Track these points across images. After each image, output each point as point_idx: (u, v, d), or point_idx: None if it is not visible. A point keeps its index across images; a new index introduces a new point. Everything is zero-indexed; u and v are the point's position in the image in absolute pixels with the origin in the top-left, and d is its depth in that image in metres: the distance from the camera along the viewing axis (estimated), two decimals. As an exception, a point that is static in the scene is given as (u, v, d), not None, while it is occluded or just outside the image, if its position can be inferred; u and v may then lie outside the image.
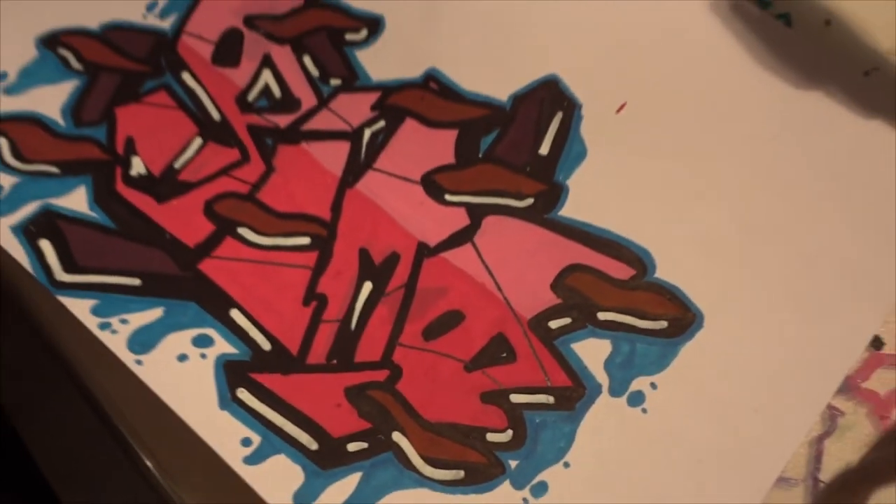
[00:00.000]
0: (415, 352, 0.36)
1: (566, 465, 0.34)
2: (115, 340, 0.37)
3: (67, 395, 0.37)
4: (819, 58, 0.42)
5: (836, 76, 0.41)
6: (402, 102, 0.42)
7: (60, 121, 0.42)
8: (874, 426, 0.34)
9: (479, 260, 0.38)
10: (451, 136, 0.41)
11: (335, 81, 0.43)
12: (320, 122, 0.42)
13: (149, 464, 0.35)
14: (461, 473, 0.34)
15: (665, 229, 0.38)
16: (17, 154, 0.41)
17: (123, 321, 0.37)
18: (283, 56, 0.44)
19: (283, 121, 0.42)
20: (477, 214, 0.39)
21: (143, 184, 0.40)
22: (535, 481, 0.34)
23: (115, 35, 0.44)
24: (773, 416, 0.35)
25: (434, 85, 0.42)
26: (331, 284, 0.38)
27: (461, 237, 0.39)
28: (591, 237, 0.38)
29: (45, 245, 0.39)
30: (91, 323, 0.37)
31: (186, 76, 0.43)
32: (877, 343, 0.36)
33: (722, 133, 0.40)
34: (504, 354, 0.36)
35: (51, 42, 0.44)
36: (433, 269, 0.38)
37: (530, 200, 0.39)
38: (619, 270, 0.38)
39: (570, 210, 0.39)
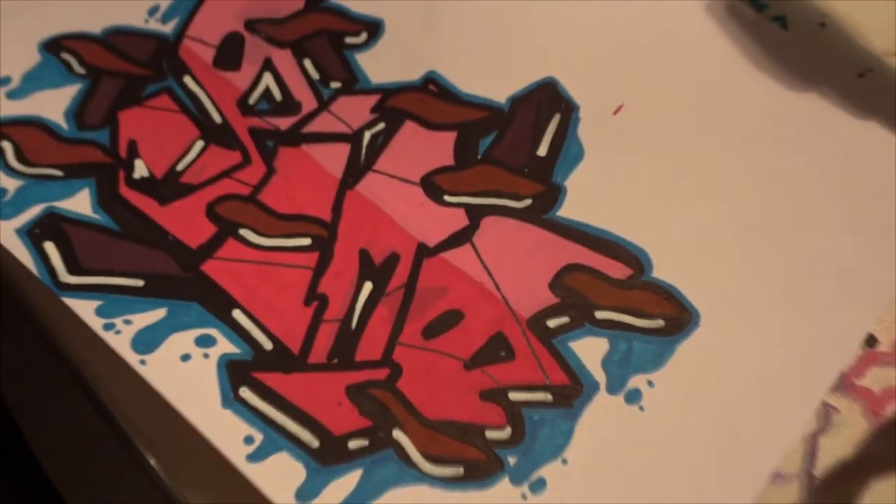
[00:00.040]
0: (415, 351, 0.37)
1: (564, 461, 0.34)
2: (119, 341, 0.37)
3: (72, 396, 0.37)
4: (814, 59, 0.42)
5: (831, 78, 0.42)
6: (402, 105, 0.42)
7: (64, 124, 0.42)
8: (869, 423, 0.35)
9: (478, 260, 0.38)
10: (450, 137, 0.41)
11: (335, 84, 0.43)
12: (321, 124, 0.42)
13: (152, 462, 0.35)
14: (461, 470, 0.34)
15: (662, 229, 0.39)
16: (21, 158, 0.41)
17: (127, 322, 0.37)
18: (283, 59, 0.44)
19: (283, 123, 0.42)
20: (476, 215, 0.40)
21: (146, 186, 0.41)
22: (533, 478, 0.34)
23: (117, 39, 0.45)
24: (768, 413, 0.35)
25: (433, 87, 0.43)
26: (331, 284, 0.38)
27: (460, 238, 0.39)
28: (589, 237, 0.39)
29: (50, 247, 0.39)
30: (95, 324, 0.37)
31: (188, 80, 0.44)
32: (871, 341, 0.36)
33: (718, 134, 0.41)
34: (503, 353, 0.37)
35: (53, 47, 0.44)
36: (433, 270, 0.38)
37: (528, 201, 0.40)
38: (617, 270, 0.38)
39: (567, 210, 0.39)
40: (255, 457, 0.35)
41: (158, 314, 0.38)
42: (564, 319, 0.37)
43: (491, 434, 0.35)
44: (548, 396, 0.36)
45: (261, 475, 0.34)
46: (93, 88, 0.43)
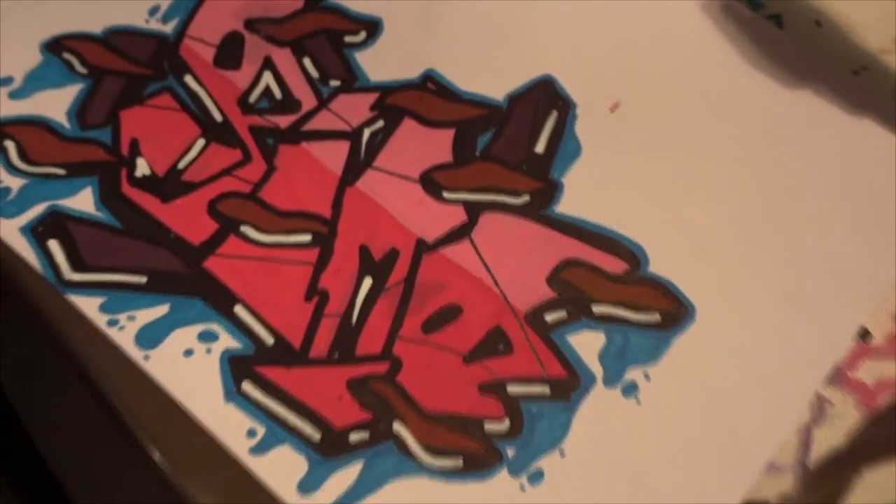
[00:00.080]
0: (414, 345, 0.37)
1: (562, 453, 0.35)
2: (123, 337, 0.37)
3: (76, 392, 0.38)
4: (809, 57, 0.42)
5: (827, 75, 0.42)
6: (401, 102, 0.43)
7: (66, 124, 0.42)
8: (862, 415, 0.35)
9: (477, 255, 0.39)
10: (448, 135, 0.42)
11: (335, 82, 0.43)
12: (320, 122, 0.42)
13: (156, 456, 0.35)
14: (460, 461, 0.34)
15: (658, 225, 0.39)
16: (24, 157, 0.42)
17: (131, 318, 0.38)
18: (283, 58, 0.44)
19: (283, 121, 0.43)
20: (474, 211, 0.40)
21: (148, 184, 0.41)
22: (531, 469, 0.34)
23: (118, 39, 0.45)
24: (763, 405, 0.35)
25: (432, 85, 0.43)
26: (332, 280, 0.39)
27: (459, 234, 0.39)
28: (586, 233, 0.39)
29: (54, 245, 0.39)
30: (99, 320, 0.38)
31: (189, 79, 0.44)
32: (864, 334, 0.36)
33: (713, 131, 0.41)
34: (501, 347, 0.37)
35: (55, 47, 0.44)
36: (432, 265, 0.39)
37: (526, 197, 0.40)
38: (613, 265, 0.38)
39: (565, 207, 0.40)
40: (257, 450, 0.35)
41: (161, 310, 0.38)
42: (562, 313, 0.37)
43: (490, 426, 0.35)
44: (545, 389, 0.36)
45: (263, 468, 0.35)
46: (94, 88, 0.43)
